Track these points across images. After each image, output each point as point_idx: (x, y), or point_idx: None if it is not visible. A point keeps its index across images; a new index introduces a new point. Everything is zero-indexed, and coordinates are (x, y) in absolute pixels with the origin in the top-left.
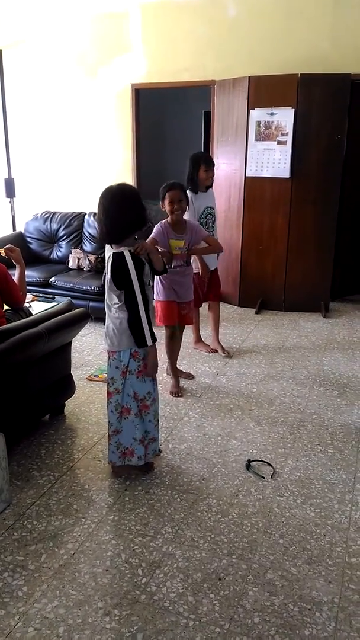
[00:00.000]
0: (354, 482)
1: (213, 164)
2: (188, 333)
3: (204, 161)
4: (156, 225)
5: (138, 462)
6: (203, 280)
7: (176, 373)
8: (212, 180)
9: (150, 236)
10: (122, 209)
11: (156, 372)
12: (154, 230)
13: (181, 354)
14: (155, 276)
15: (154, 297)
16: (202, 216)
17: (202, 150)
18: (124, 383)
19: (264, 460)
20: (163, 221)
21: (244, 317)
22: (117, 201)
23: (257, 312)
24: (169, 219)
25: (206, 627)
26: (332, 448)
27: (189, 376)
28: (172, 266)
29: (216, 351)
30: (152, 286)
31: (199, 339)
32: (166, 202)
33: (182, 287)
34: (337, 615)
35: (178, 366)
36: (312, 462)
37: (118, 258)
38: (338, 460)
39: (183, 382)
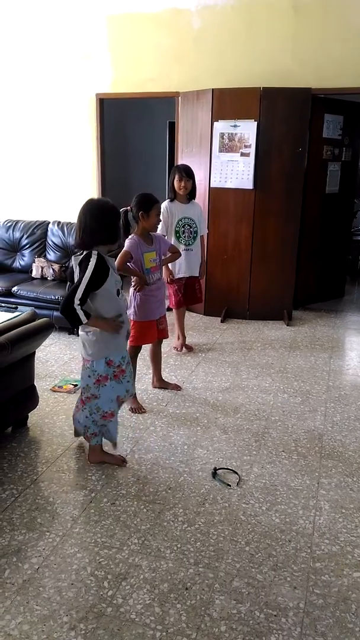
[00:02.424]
0: (318, 487)
1: (188, 175)
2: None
3: (178, 171)
4: (127, 240)
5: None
6: (180, 284)
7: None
8: (187, 191)
9: (124, 249)
10: (97, 222)
11: (117, 326)
12: (127, 244)
13: (146, 362)
14: (131, 295)
15: (130, 317)
16: (179, 225)
17: (168, 160)
18: (102, 390)
19: (229, 468)
20: (133, 235)
21: (209, 326)
22: (94, 213)
23: (222, 321)
24: (138, 231)
25: (173, 637)
26: (296, 454)
27: (177, 387)
28: (152, 281)
29: (192, 349)
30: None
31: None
32: (153, 213)
33: (159, 302)
34: (302, 620)
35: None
36: (277, 468)
37: (86, 255)
38: (302, 466)
39: (154, 393)
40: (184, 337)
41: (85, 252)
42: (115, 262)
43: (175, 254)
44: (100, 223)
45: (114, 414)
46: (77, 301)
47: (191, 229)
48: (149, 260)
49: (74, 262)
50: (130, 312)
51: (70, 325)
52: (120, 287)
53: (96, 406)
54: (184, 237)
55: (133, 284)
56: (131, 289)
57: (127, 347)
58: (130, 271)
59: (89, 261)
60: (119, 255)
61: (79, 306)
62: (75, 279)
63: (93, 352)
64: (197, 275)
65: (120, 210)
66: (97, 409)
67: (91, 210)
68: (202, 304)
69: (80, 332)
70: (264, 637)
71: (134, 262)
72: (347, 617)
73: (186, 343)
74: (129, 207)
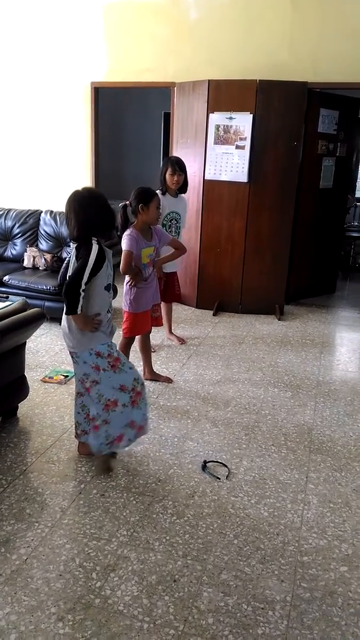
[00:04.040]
0: (306, 481)
1: (180, 169)
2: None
3: (171, 164)
4: (126, 235)
5: (126, 445)
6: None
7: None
8: (179, 185)
9: (125, 248)
10: (88, 211)
11: (93, 326)
12: (126, 241)
13: (137, 354)
14: (126, 288)
15: (124, 308)
16: (166, 219)
17: (162, 151)
18: (102, 375)
19: (219, 461)
20: (131, 230)
21: (201, 319)
22: (85, 204)
23: (214, 314)
24: (138, 225)
25: (161, 629)
26: (285, 448)
27: (168, 379)
28: (147, 275)
29: (185, 342)
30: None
31: (170, 331)
32: (153, 205)
33: (153, 291)
34: (289, 614)
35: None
36: (266, 462)
37: (87, 243)
38: (291, 460)
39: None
40: (169, 326)
41: (85, 244)
42: (121, 265)
43: (180, 251)
44: (92, 213)
45: (117, 402)
46: (83, 286)
47: (177, 224)
48: (146, 255)
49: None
50: (126, 305)
51: (66, 310)
52: (111, 282)
53: (98, 393)
54: (170, 231)
55: (127, 279)
56: (125, 280)
57: (120, 340)
58: (133, 270)
59: (91, 248)
60: (122, 257)
61: (82, 293)
62: (71, 266)
63: (74, 343)
64: (176, 270)
65: (119, 205)
66: (99, 397)
67: (81, 201)
68: (194, 297)
69: (62, 323)
70: (250, 630)
71: (135, 258)
72: (333, 611)
73: (178, 336)
74: (128, 202)
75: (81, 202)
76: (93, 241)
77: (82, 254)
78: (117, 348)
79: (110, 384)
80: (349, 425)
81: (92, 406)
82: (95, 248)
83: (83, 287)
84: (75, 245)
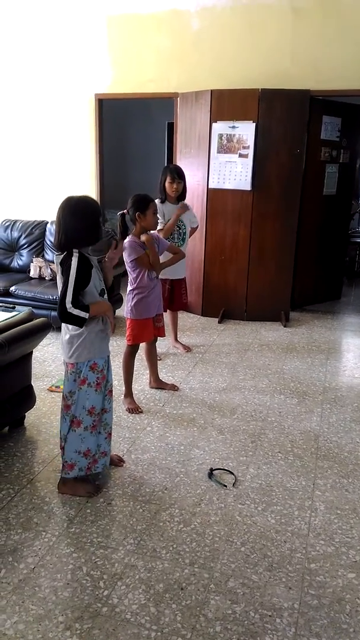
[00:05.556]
0: (313, 488)
1: (179, 176)
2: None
3: (170, 172)
4: (128, 243)
5: (79, 473)
6: (165, 287)
7: (131, 391)
8: (179, 193)
9: (135, 256)
10: (76, 221)
11: (112, 311)
12: (130, 250)
13: (143, 363)
14: (128, 294)
15: (126, 316)
16: None
17: (166, 161)
18: (79, 395)
19: (225, 468)
20: (130, 237)
21: (206, 327)
22: (74, 212)
23: (219, 322)
24: (136, 232)
25: (168, 637)
26: (292, 455)
27: (174, 387)
28: (150, 279)
29: (190, 350)
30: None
31: (176, 339)
32: (150, 212)
33: (156, 300)
34: (297, 621)
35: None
36: (273, 469)
37: (67, 255)
38: (298, 467)
39: (151, 393)
40: (175, 334)
41: (65, 252)
42: (147, 267)
43: (178, 255)
44: (80, 223)
45: (80, 424)
46: (69, 305)
47: (180, 231)
48: None
49: (55, 261)
50: (127, 311)
51: (79, 326)
52: (103, 287)
53: (71, 414)
54: (172, 238)
55: (130, 286)
56: (128, 288)
57: (125, 348)
58: (157, 261)
59: (71, 260)
60: (140, 264)
61: (73, 308)
62: (59, 280)
63: (78, 354)
64: (182, 277)
65: (118, 214)
66: (71, 416)
67: (71, 209)
68: (200, 305)
69: (63, 332)
70: (258, 638)
71: (138, 260)
72: (341, 618)
73: (184, 344)
74: (125, 211)
75: (71, 211)
76: (74, 253)
77: (64, 271)
78: (122, 357)
79: (82, 402)
80: (356, 431)
81: (62, 424)
82: (75, 260)
83: (69, 305)
84: (58, 258)
